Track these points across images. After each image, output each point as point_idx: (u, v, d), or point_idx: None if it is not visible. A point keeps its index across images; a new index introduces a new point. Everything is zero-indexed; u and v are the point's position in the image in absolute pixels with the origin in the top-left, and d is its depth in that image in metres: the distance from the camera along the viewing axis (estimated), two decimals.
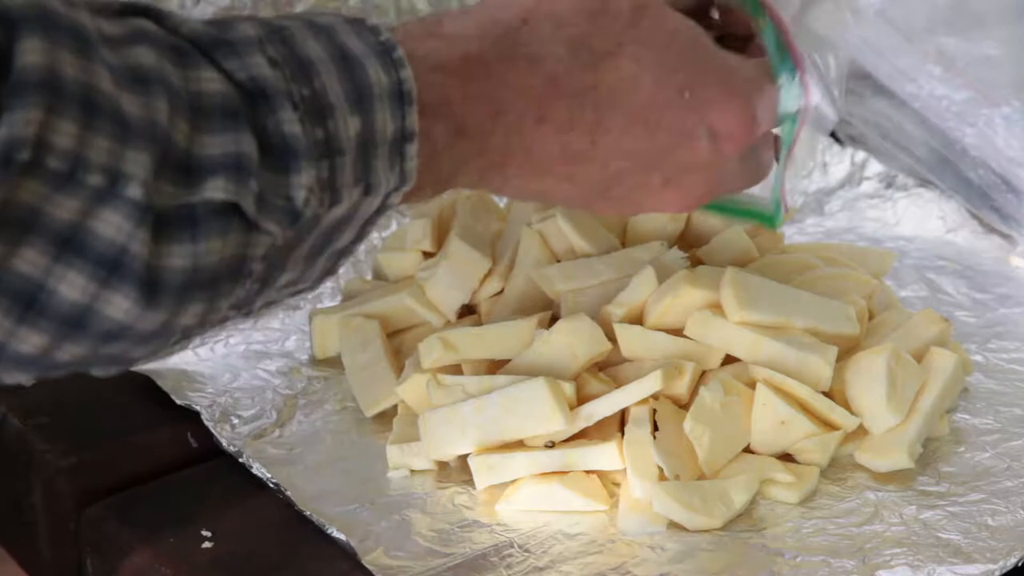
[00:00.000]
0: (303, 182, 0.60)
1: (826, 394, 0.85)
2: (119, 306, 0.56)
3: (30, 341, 0.56)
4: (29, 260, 0.54)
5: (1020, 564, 0.79)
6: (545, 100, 0.70)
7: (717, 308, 0.86)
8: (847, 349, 0.88)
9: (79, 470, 0.88)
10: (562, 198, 0.74)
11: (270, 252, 0.61)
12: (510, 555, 0.80)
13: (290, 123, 0.60)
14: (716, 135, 0.74)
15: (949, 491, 0.84)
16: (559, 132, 0.71)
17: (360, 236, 0.66)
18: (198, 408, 0.89)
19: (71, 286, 0.55)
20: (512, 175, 0.71)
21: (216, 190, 0.57)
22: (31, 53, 0.53)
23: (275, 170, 0.59)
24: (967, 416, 0.90)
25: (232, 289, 0.60)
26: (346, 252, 0.66)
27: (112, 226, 0.55)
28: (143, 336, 0.58)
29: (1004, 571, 0.78)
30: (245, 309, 0.64)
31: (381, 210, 0.65)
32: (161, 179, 0.56)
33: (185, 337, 0.62)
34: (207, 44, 0.60)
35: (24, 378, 0.59)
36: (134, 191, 0.55)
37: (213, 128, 0.58)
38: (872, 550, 0.79)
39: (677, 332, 0.86)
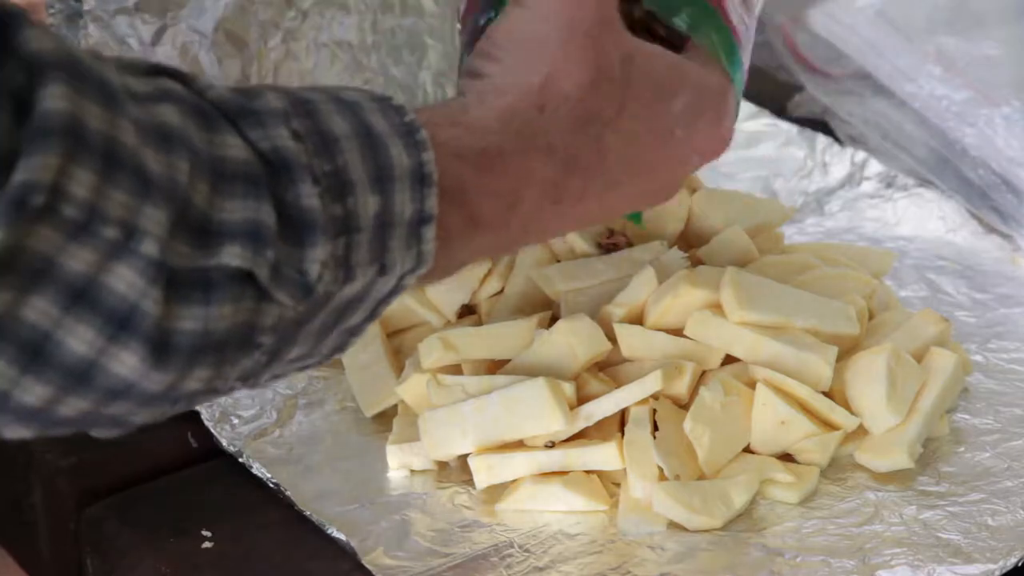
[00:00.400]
0: (318, 256, 0.59)
1: (826, 394, 0.85)
2: (126, 363, 0.56)
3: (34, 392, 0.55)
4: (38, 309, 0.54)
5: (1020, 564, 0.79)
6: (560, 183, 0.71)
7: (717, 308, 0.86)
8: (847, 349, 0.88)
9: (79, 470, 0.88)
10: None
11: (280, 324, 0.60)
12: (510, 555, 0.80)
13: (309, 197, 0.59)
14: (705, 153, 0.78)
15: (949, 491, 0.84)
16: (573, 205, 0.72)
17: (372, 316, 0.65)
18: (198, 408, 0.89)
19: (79, 339, 0.54)
20: (524, 247, 0.77)
21: (233, 256, 0.57)
22: (55, 99, 0.52)
23: (291, 242, 0.59)
24: (967, 416, 0.90)
25: (239, 358, 0.59)
26: (357, 331, 0.65)
27: (125, 281, 0.54)
28: (147, 397, 0.57)
29: (1004, 571, 0.78)
30: (252, 381, 0.63)
31: (395, 291, 0.65)
32: (177, 239, 0.55)
33: (190, 403, 0.61)
34: (233, 111, 0.59)
35: (26, 432, 0.58)
36: (149, 247, 0.54)
37: (234, 194, 0.57)
38: (872, 550, 0.79)
39: (677, 332, 0.86)
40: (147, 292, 0.54)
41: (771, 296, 0.86)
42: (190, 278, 0.56)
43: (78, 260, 0.53)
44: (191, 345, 0.57)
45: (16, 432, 0.58)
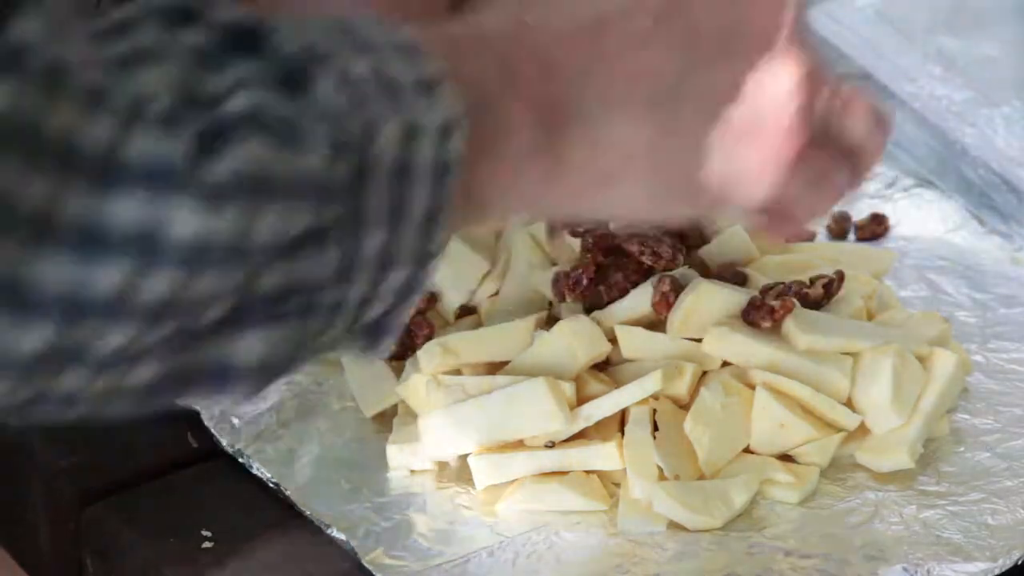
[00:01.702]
0: (327, 95, 0.57)
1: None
2: (186, 221, 0.53)
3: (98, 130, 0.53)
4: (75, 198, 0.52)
5: (1020, 563, 0.79)
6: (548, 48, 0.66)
7: (735, 321, 0.86)
8: None
9: (79, 470, 0.88)
10: (689, 83, 0.67)
11: (333, 191, 0.57)
12: (510, 555, 0.81)
13: (297, 51, 0.57)
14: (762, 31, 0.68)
15: (949, 491, 0.84)
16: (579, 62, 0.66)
17: (437, 193, 0.60)
18: (198, 408, 0.89)
19: (126, 208, 0.52)
20: (578, 64, 0.66)
21: (238, 105, 0.55)
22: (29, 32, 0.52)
23: (292, 90, 0.56)
24: (967, 416, 0.89)
25: (306, 208, 0.56)
26: (435, 218, 0.61)
27: (151, 141, 0.53)
28: (228, 252, 0.55)
29: (1003, 569, 0.78)
30: (364, 312, 0.60)
31: (442, 154, 0.60)
32: (182, 104, 0.54)
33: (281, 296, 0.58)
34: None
35: (119, 338, 0.55)
36: (160, 104, 0.53)
37: (222, 63, 0.55)
38: (872, 548, 0.80)
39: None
40: (174, 147, 0.53)
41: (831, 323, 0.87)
42: (208, 131, 0.54)
43: (99, 131, 0.52)
44: (236, 183, 0.54)
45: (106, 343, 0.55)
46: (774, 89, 0.68)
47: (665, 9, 0.67)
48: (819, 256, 0.95)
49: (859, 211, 1.08)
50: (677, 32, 0.67)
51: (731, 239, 0.93)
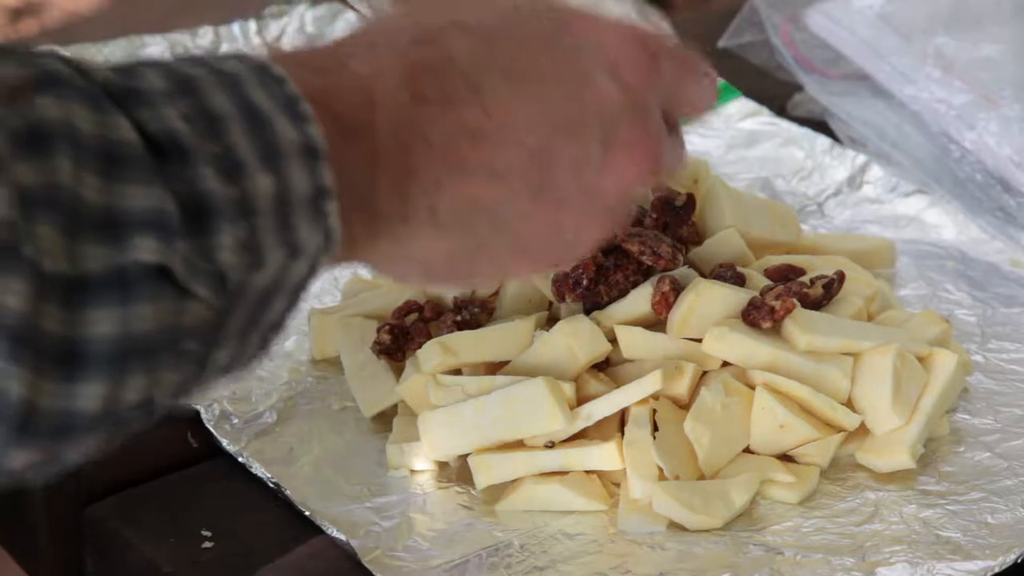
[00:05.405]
0: (225, 242, 0.56)
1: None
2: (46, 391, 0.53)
3: None
4: None
5: (1020, 560, 0.79)
6: (408, 77, 0.64)
7: (735, 321, 0.86)
8: None
9: (79, 470, 0.88)
10: (506, 213, 0.66)
11: (203, 326, 0.57)
12: (510, 555, 0.81)
13: (208, 179, 0.56)
14: (615, 68, 0.68)
15: (949, 490, 0.84)
16: (442, 108, 0.65)
17: (292, 304, 0.61)
18: (198, 408, 0.89)
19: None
20: (427, 178, 0.64)
21: (146, 250, 0.54)
22: None
23: (196, 232, 0.56)
24: (967, 416, 0.90)
25: (173, 364, 0.56)
26: (279, 325, 0.62)
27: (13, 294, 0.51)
28: (88, 419, 0.55)
29: (1003, 567, 0.78)
30: (183, 395, 0.59)
31: (311, 274, 0.61)
32: (80, 241, 0.52)
33: (135, 417, 0.58)
34: (117, 91, 0.56)
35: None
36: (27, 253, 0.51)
37: (132, 179, 0.54)
38: (872, 548, 0.80)
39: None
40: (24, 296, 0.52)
41: (831, 323, 0.87)
42: (104, 279, 0.53)
43: None
44: (112, 350, 0.54)
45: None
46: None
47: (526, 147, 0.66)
48: (820, 247, 0.95)
49: (858, 212, 1.09)
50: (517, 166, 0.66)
51: (724, 240, 0.92)
